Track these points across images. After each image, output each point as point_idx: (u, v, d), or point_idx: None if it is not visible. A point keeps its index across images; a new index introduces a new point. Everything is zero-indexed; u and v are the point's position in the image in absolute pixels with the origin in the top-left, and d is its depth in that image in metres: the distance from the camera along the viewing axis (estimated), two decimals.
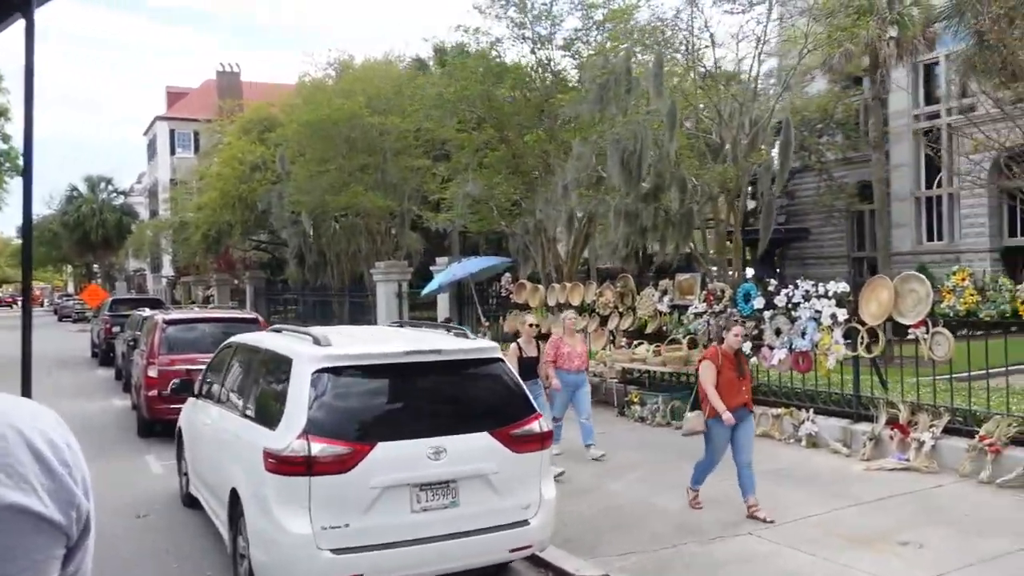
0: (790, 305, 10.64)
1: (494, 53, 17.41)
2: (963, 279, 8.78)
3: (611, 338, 14.10)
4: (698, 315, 12.06)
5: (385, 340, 6.42)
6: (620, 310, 13.70)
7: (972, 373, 9.36)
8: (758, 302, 11.12)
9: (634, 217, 13.27)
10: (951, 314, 8.87)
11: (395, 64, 26.58)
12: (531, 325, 9.49)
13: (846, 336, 10.01)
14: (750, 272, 20.86)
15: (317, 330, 6.22)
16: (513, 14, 16.47)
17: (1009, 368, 9.17)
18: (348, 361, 5.52)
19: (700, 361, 7.87)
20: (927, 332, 9.05)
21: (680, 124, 12.96)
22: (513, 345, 9.27)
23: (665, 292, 12.85)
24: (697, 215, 13.44)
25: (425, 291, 17.45)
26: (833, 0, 14.74)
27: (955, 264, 36.77)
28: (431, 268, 19.10)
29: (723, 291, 11.81)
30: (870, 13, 16.54)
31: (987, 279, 8.73)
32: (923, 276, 9.31)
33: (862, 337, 9.84)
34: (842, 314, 10.00)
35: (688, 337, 12.01)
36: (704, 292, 12.05)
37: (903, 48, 20.45)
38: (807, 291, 10.47)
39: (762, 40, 13.25)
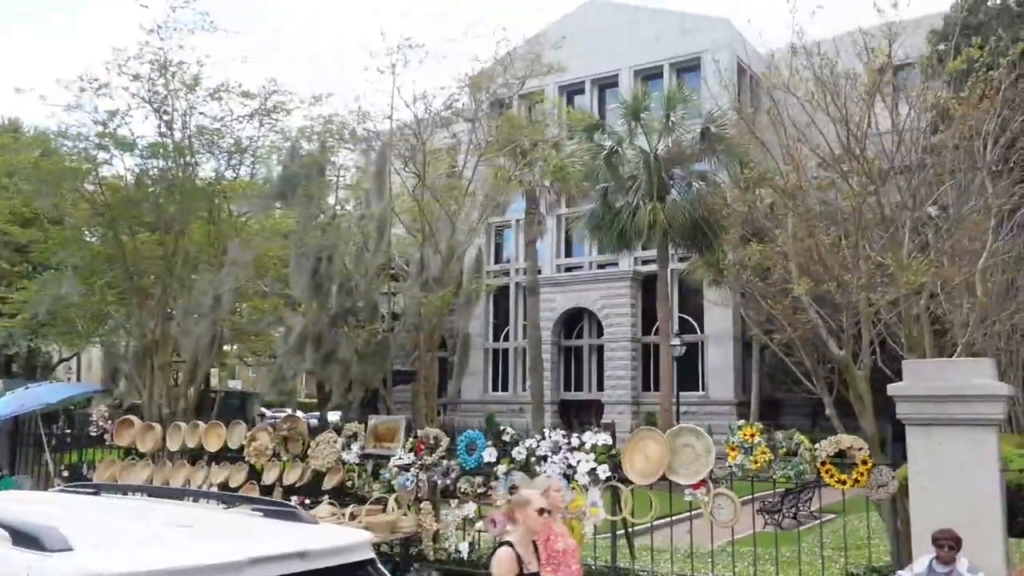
0: (534, 458, 8.93)
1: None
2: (752, 435, 7.93)
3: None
4: (403, 468, 9.73)
5: (165, 537, 3.23)
6: (284, 459, 10.74)
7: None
8: (488, 454, 9.23)
9: (315, 341, 10.68)
10: (739, 473, 7.94)
11: None
12: (541, 511, 5.15)
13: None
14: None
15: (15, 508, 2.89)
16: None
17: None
18: None
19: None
20: (707, 493, 8.00)
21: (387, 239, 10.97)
22: (505, 551, 5.01)
23: (353, 437, 10.31)
24: (395, 345, 11.33)
25: None
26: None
27: (519, 414, 38.99)
28: None
29: (437, 439, 9.71)
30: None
31: (781, 437, 8.00)
32: (700, 430, 8.32)
33: (625, 499, 8.49)
34: (604, 471, 8.55)
35: (395, 496, 9.56)
36: (414, 439, 9.81)
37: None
38: (556, 442, 8.89)
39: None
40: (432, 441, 9.71)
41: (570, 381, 38.81)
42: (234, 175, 13.54)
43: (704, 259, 21.98)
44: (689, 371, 34.22)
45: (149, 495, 4.50)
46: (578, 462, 8.67)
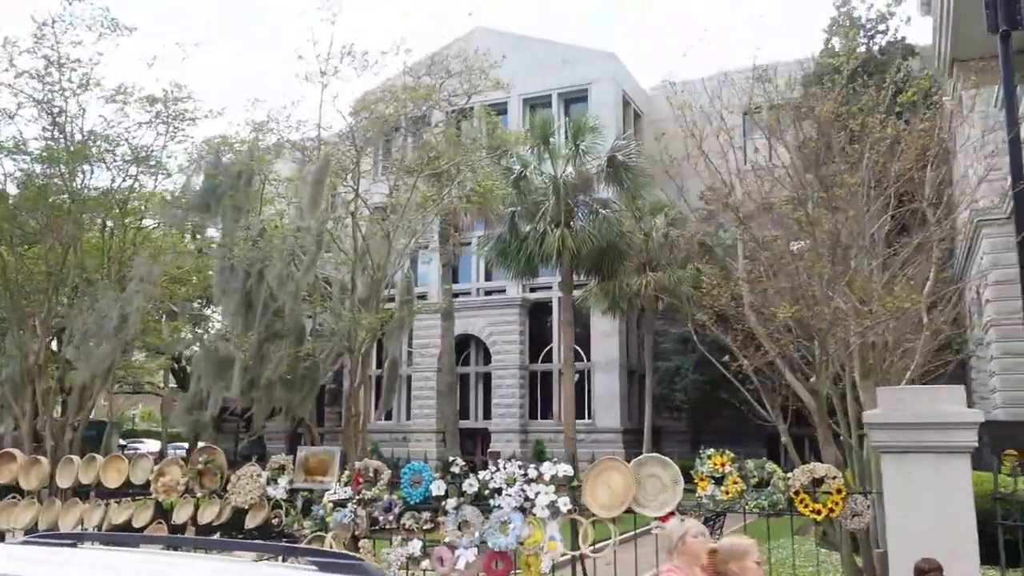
0: (487, 491, 8.43)
1: None
2: (722, 464, 7.75)
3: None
4: (339, 504, 9.00)
5: None
6: (200, 495, 9.76)
7: None
8: (436, 487, 8.66)
9: (227, 364, 9.74)
10: (710, 504, 7.72)
11: None
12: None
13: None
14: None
15: None
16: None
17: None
18: None
19: None
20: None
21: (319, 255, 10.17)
22: None
23: (280, 471, 9.49)
24: (324, 370, 10.49)
25: None
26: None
27: (404, 442, 38.03)
28: None
29: (377, 471, 9.05)
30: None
31: (750, 465, 7.83)
32: (667, 459, 8.06)
33: (585, 532, 8.12)
34: (564, 503, 8.16)
35: (332, 534, 8.80)
36: (350, 472, 9.10)
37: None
38: (512, 474, 8.42)
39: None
40: (372, 474, 9.04)
41: (467, 410, 38.23)
42: (132, 185, 12.40)
43: (601, 287, 22.08)
44: (577, 399, 34.36)
45: (136, 545, 3.77)
46: (536, 494, 8.24)
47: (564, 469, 8.29)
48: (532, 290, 35.41)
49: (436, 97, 14.66)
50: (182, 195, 10.45)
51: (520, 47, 39.18)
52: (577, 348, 36.31)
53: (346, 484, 9.07)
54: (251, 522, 9.39)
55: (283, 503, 9.36)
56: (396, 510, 8.83)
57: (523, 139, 23.10)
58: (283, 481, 9.35)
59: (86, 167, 11.79)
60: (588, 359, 35.82)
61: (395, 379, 11.54)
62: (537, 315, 37.30)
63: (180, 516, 9.79)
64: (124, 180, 12.05)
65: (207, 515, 9.65)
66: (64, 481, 10.49)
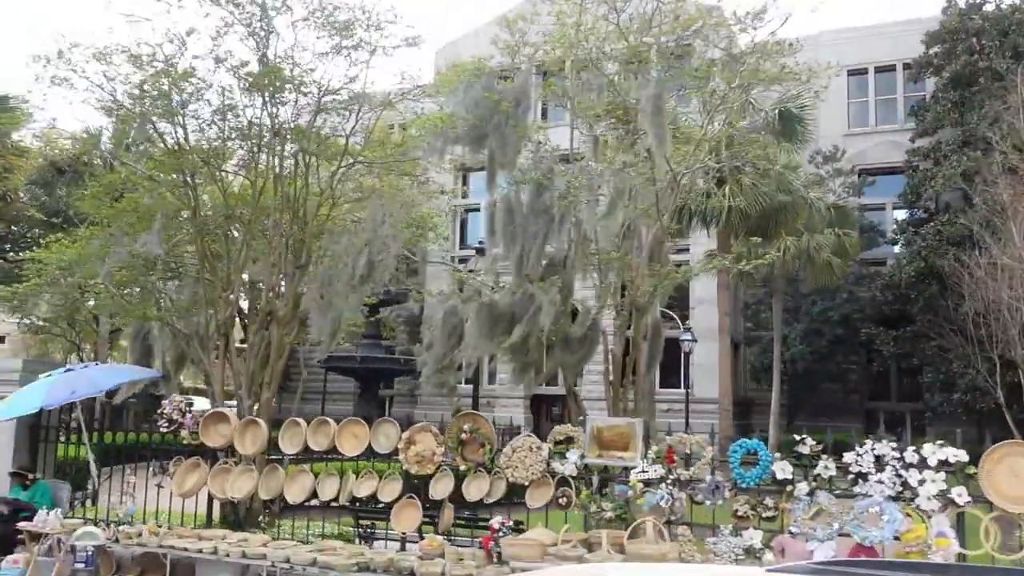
0: (856, 474, 7.10)
1: None
2: None
3: (430, 519, 8.84)
4: (648, 483, 7.72)
5: None
6: (464, 468, 8.51)
7: None
8: (780, 468, 7.34)
9: (506, 320, 8.41)
10: None
11: None
12: None
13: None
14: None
15: None
16: None
17: None
18: None
19: None
20: None
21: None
22: None
23: (566, 443, 8.20)
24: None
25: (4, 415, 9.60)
26: None
27: (487, 408, 36.86)
28: None
29: (693, 448, 7.75)
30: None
31: None
32: None
33: (986, 529, 6.80)
34: (960, 494, 6.81)
35: (649, 519, 7.52)
36: (663, 447, 7.80)
37: None
38: (881, 456, 7.08)
39: None
40: (688, 450, 7.74)
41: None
42: (324, 121, 11.03)
43: (751, 250, 20.58)
44: (672, 367, 32.99)
45: None
46: (920, 482, 6.91)
47: (954, 453, 6.93)
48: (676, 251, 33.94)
49: None
50: (450, 124, 9.06)
51: None
52: (670, 313, 34.90)
53: (655, 461, 7.77)
54: (533, 501, 8.14)
55: (572, 480, 8.08)
56: (725, 493, 7.56)
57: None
58: (573, 455, 8.06)
59: (287, 95, 10.43)
60: (683, 326, 34.42)
61: (659, 345, 10.11)
62: None
63: (438, 491, 8.58)
64: (319, 114, 10.66)
65: (473, 491, 8.41)
66: (291, 446, 9.30)
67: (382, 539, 10.34)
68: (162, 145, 10.12)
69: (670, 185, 8.87)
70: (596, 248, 9.26)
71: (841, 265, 23.55)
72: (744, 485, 7.47)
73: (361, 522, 10.79)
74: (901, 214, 33.33)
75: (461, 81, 9.21)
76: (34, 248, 29.84)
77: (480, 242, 18.85)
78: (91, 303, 13.92)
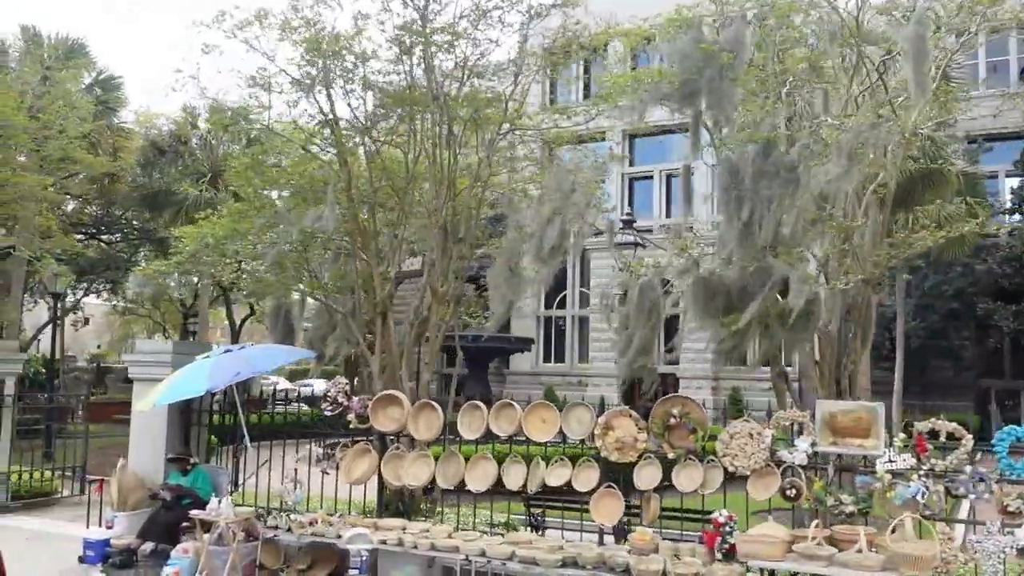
0: None
1: None
2: None
3: (632, 509, 8.18)
4: (896, 474, 6.90)
5: None
6: (672, 456, 7.80)
7: None
8: None
9: (722, 294, 7.67)
10: None
11: None
12: None
13: None
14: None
15: None
16: None
17: None
18: None
19: None
20: None
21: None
22: None
23: (795, 429, 7.43)
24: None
25: (162, 399, 9.15)
26: None
27: (577, 388, 36.21)
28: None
29: (955, 433, 6.89)
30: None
31: None
32: None
33: None
34: None
35: (908, 516, 6.71)
36: (912, 435, 6.97)
37: None
38: None
39: None
40: (945, 438, 6.90)
41: None
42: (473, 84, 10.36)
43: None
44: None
45: None
46: None
47: None
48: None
49: None
50: (659, 79, 8.28)
51: None
52: None
53: (903, 449, 6.95)
54: (757, 492, 7.39)
55: (802, 470, 7.31)
56: (992, 486, 6.70)
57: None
58: (803, 444, 7.28)
59: (443, 55, 9.76)
60: None
61: (872, 320, 9.19)
62: None
63: (643, 480, 7.87)
64: (478, 77, 9.97)
65: (684, 480, 7.70)
66: (470, 431, 8.71)
67: (553, 528, 9.76)
68: (320, 116, 9.58)
69: (905, 142, 7.99)
70: (829, 213, 8.41)
71: (973, 235, 22.13)
72: (1016, 477, 6.61)
73: (532, 510, 10.19)
74: (1014, 182, 31.68)
75: (667, 32, 8.39)
76: (129, 232, 30.08)
77: (628, 213, 18.01)
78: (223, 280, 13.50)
